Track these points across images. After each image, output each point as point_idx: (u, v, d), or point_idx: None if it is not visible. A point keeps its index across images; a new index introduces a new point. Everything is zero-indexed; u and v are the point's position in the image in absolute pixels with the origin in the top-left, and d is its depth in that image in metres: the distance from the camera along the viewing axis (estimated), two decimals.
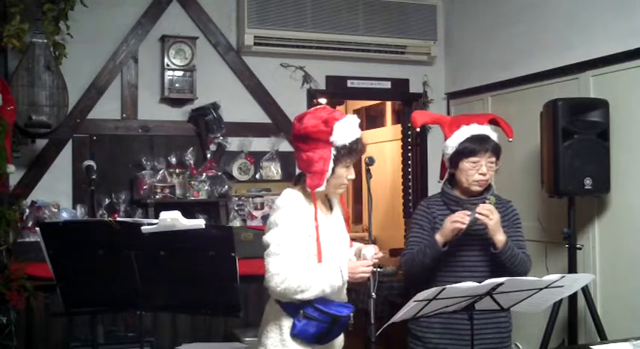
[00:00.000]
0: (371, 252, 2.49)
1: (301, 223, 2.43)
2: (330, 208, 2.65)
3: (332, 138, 2.41)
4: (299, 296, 2.38)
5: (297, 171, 2.66)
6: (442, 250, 2.66)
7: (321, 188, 2.43)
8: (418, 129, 3.12)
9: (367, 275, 2.45)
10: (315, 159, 2.42)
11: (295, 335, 2.44)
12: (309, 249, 2.45)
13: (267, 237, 2.45)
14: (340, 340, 2.67)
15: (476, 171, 2.71)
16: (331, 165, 2.42)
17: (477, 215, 2.62)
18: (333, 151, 2.42)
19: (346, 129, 2.43)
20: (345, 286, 2.59)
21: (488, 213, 2.62)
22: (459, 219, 2.62)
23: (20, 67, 3.91)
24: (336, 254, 2.52)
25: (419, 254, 2.72)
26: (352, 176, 2.51)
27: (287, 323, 2.46)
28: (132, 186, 4.40)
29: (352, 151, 2.45)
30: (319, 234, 2.46)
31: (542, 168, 3.86)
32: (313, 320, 2.43)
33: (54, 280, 2.59)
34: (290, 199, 2.47)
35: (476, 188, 2.73)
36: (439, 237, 2.66)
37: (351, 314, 2.53)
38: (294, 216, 2.43)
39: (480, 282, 2.23)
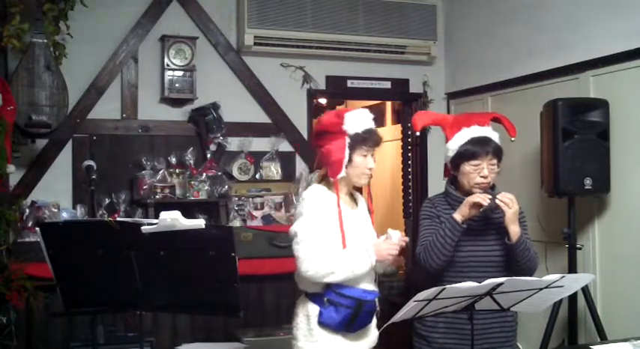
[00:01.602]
0: (397, 234, 2.59)
1: (325, 212, 2.55)
2: (356, 204, 2.74)
3: (344, 127, 2.56)
4: (329, 279, 2.49)
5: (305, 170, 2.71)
6: (462, 228, 2.63)
7: (341, 174, 2.56)
8: (418, 133, 3.10)
9: (394, 252, 2.55)
10: (332, 149, 2.57)
11: (322, 322, 2.55)
12: (333, 237, 2.54)
13: (293, 227, 2.58)
14: (374, 336, 2.71)
15: (477, 174, 2.69)
16: (347, 152, 2.55)
17: (497, 201, 2.61)
18: (348, 140, 2.56)
19: (357, 118, 2.59)
20: (373, 273, 2.66)
21: (509, 202, 2.61)
22: (481, 197, 2.61)
23: (20, 67, 3.90)
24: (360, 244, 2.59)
25: (437, 237, 2.67)
26: (372, 165, 2.63)
27: (314, 312, 2.57)
28: (132, 186, 4.39)
29: (366, 139, 2.58)
30: (342, 221, 2.55)
31: (542, 168, 3.86)
32: (338, 307, 2.52)
33: (54, 280, 2.59)
34: (314, 191, 2.62)
35: (477, 191, 2.72)
36: (457, 215, 2.65)
37: (376, 300, 2.61)
38: (318, 205, 2.56)
39: (482, 280, 2.23)
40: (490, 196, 2.62)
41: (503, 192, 2.66)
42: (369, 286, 2.63)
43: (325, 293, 2.54)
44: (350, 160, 2.57)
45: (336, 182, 2.58)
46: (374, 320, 2.69)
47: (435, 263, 2.68)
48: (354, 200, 2.76)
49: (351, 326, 2.55)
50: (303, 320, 2.60)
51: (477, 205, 2.62)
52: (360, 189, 2.91)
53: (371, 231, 2.74)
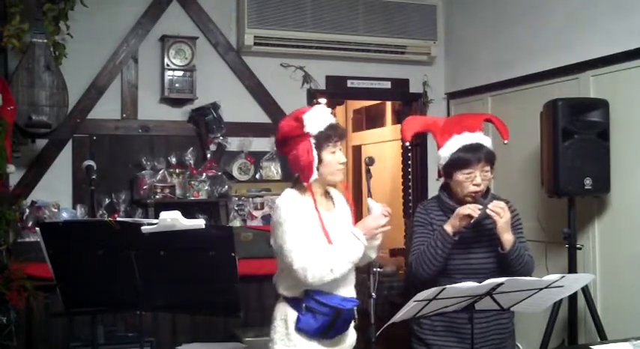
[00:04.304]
0: (378, 206, 2.53)
1: (302, 215, 2.48)
2: (333, 204, 2.68)
3: (306, 129, 2.50)
4: (330, 278, 2.43)
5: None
6: (453, 240, 2.62)
7: (314, 176, 2.50)
8: (407, 143, 3.06)
9: (382, 223, 2.49)
10: (300, 153, 2.50)
11: (299, 328, 2.51)
12: (316, 241, 2.48)
13: (277, 239, 2.51)
14: (351, 340, 2.69)
15: (470, 182, 2.66)
16: (315, 153, 2.49)
17: (488, 211, 2.59)
18: (312, 140, 2.50)
19: (315, 117, 2.52)
20: (354, 276, 2.63)
21: (500, 211, 2.59)
22: (471, 209, 2.59)
23: (20, 67, 3.90)
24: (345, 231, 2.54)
25: (429, 248, 2.66)
26: (343, 159, 2.58)
27: (292, 318, 2.54)
28: (132, 186, 4.40)
29: (330, 136, 2.52)
30: (323, 222, 2.50)
31: (542, 168, 3.86)
32: (316, 314, 2.49)
33: (54, 280, 2.59)
34: (287, 196, 2.54)
35: (470, 200, 2.68)
36: (447, 227, 2.63)
37: (355, 309, 2.57)
38: (294, 210, 2.48)
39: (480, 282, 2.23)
40: (480, 207, 2.60)
41: (494, 201, 2.64)
42: (350, 292, 2.60)
43: (304, 300, 2.50)
44: (320, 160, 2.51)
45: (309, 186, 2.52)
46: (352, 325, 2.66)
47: (426, 273, 2.68)
48: (331, 200, 2.69)
49: (328, 333, 2.53)
50: (281, 324, 2.57)
51: (467, 216, 2.61)
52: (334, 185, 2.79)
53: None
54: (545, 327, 3.62)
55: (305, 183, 2.52)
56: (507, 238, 2.63)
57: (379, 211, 2.51)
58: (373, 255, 2.66)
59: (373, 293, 2.67)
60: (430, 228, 2.76)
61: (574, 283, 2.48)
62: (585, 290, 3.48)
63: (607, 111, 3.66)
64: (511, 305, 2.46)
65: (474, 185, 2.66)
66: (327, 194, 2.67)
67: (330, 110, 2.60)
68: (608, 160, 3.65)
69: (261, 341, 3.85)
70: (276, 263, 2.61)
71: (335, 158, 2.54)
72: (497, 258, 2.69)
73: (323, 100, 5.68)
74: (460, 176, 2.67)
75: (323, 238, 2.49)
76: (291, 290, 2.54)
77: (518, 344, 4.21)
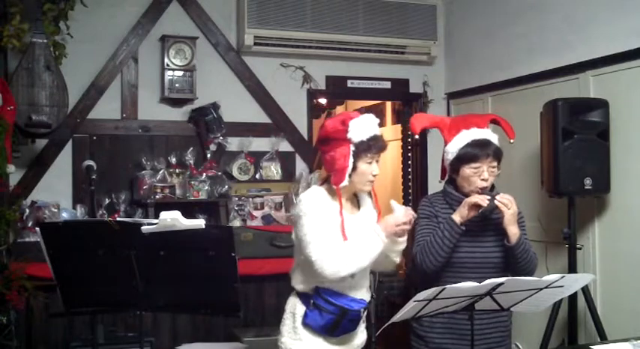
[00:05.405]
0: (402, 208, 2.53)
1: (323, 211, 2.50)
2: (358, 207, 2.70)
3: (349, 135, 2.50)
4: (347, 272, 2.43)
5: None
6: (461, 229, 2.62)
7: (344, 183, 2.51)
8: (417, 136, 3.06)
9: (402, 221, 2.48)
10: (337, 156, 2.52)
11: (306, 323, 2.54)
12: (335, 237, 2.48)
13: (297, 232, 2.52)
14: (360, 340, 2.69)
15: (477, 177, 2.67)
16: (351, 160, 2.50)
17: (496, 202, 2.60)
18: (352, 147, 2.51)
19: (362, 126, 2.53)
20: (369, 279, 2.65)
21: (508, 203, 2.60)
22: (480, 198, 2.60)
23: (20, 67, 3.90)
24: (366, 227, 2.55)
25: (435, 238, 2.65)
26: (377, 171, 2.58)
27: (300, 312, 2.56)
28: (132, 186, 4.40)
29: (371, 147, 2.53)
30: (344, 228, 2.50)
31: (542, 168, 3.86)
32: (323, 311, 2.50)
33: (54, 280, 2.59)
34: (312, 192, 2.57)
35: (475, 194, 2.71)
36: (456, 216, 2.64)
37: (362, 310, 2.57)
38: (315, 205, 2.50)
39: (480, 282, 2.23)
40: (489, 197, 2.62)
41: (502, 193, 2.65)
42: (361, 294, 2.60)
43: (313, 296, 2.52)
44: (354, 168, 2.52)
45: (338, 190, 2.53)
46: (362, 325, 2.66)
47: (432, 265, 2.67)
48: (356, 203, 2.71)
49: (333, 331, 2.53)
50: (289, 317, 2.60)
51: (475, 206, 2.62)
52: None
53: None
54: (545, 327, 3.61)
55: (334, 186, 2.53)
56: (514, 231, 2.63)
57: (401, 212, 2.51)
58: (397, 259, 2.67)
59: (373, 293, 2.68)
60: (435, 221, 2.76)
61: (574, 283, 2.47)
62: (585, 290, 3.48)
63: (607, 111, 3.66)
64: (511, 305, 2.45)
65: (482, 180, 2.67)
66: (353, 196, 2.69)
67: (377, 121, 2.61)
68: (608, 160, 3.65)
69: (261, 341, 3.86)
70: (294, 257, 2.61)
71: (369, 169, 2.55)
72: (503, 251, 2.69)
73: (323, 100, 5.70)
74: (468, 170, 2.68)
75: (341, 239, 2.50)
76: (303, 285, 2.56)
77: (518, 344, 4.22)
